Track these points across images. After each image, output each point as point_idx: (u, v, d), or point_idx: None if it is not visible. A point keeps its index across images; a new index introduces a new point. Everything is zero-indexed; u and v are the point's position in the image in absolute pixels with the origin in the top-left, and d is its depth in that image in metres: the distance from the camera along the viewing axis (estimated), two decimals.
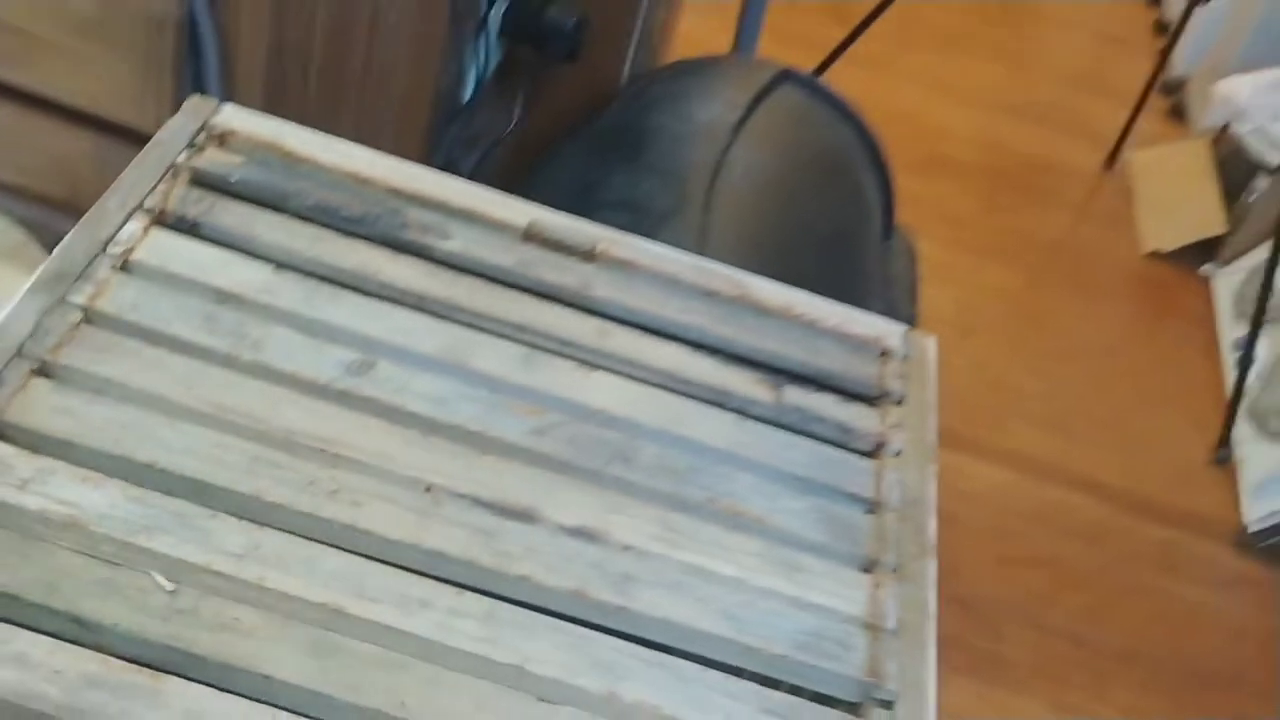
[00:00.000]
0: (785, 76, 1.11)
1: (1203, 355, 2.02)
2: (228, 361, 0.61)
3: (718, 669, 0.56)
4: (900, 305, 0.75)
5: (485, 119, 1.12)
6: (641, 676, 0.55)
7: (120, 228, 0.64)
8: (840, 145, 1.12)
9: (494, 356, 0.66)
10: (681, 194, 0.94)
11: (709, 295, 0.73)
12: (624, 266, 0.73)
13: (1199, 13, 2.22)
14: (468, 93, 1.09)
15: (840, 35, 2.01)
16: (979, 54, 2.58)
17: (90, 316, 0.61)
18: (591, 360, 0.68)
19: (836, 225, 1.05)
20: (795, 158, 1.06)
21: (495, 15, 1.09)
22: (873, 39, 2.04)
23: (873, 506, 0.65)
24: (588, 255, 0.73)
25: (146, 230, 0.65)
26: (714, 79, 1.08)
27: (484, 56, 1.09)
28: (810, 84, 1.13)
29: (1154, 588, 1.70)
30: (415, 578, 0.56)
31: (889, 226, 1.17)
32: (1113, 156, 2.35)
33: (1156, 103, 2.46)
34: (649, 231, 0.76)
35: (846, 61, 1.96)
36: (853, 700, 0.57)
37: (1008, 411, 1.87)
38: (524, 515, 0.59)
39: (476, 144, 1.12)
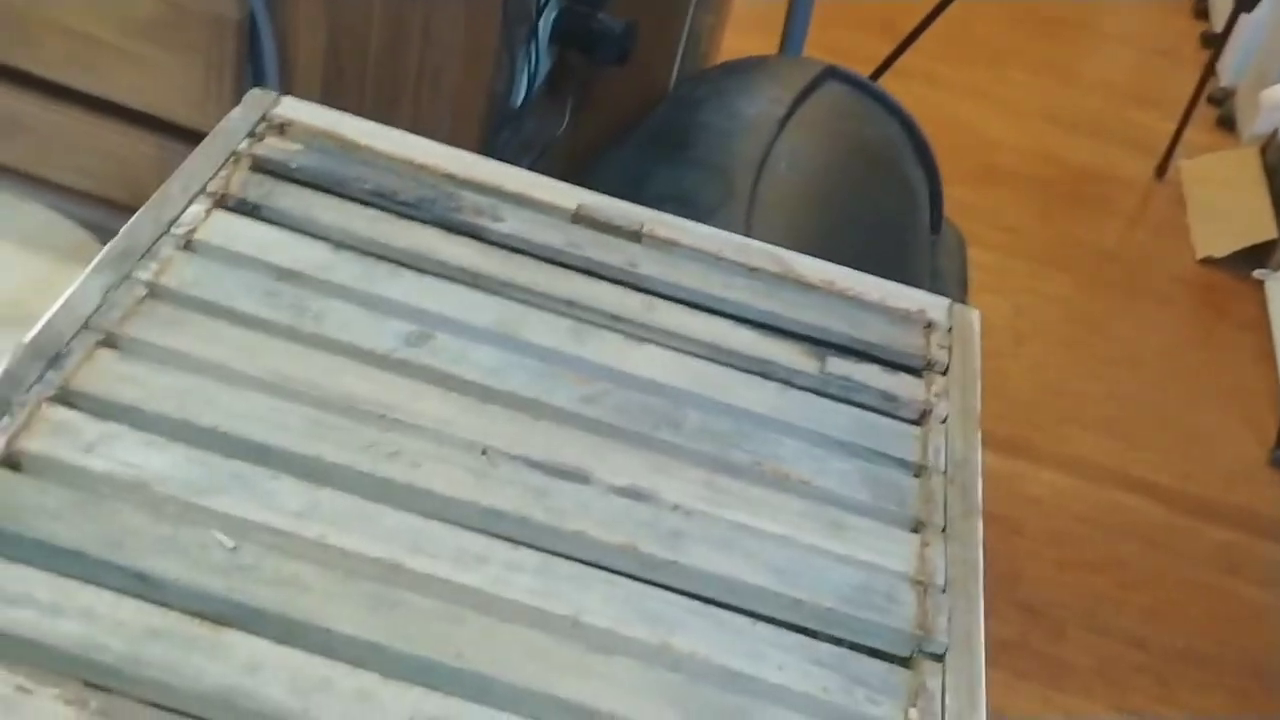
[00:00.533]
0: (830, 73, 1.13)
1: (1257, 358, 2.02)
2: (288, 333, 0.63)
3: (767, 622, 0.57)
4: (947, 297, 0.76)
5: (537, 123, 1.14)
6: (693, 628, 0.56)
7: (184, 210, 0.67)
8: (886, 139, 1.13)
9: (545, 330, 0.68)
10: (728, 187, 0.96)
11: (752, 272, 0.74)
12: (669, 246, 0.75)
13: (1244, 23, 2.22)
14: (520, 98, 1.11)
15: (888, 50, 2.03)
16: (1028, 68, 2.58)
17: (155, 292, 0.63)
18: (638, 334, 0.70)
19: (882, 216, 1.06)
20: (840, 150, 1.07)
21: (546, 21, 1.12)
22: (921, 53, 2.06)
23: (919, 470, 0.66)
24: (634, 235, 0.75)
25: (209, 212, 0.67)
26: (760, 76, 1.10)
27: (535, 62, 1.11)
28: (855, 80, 1.15)
29: (1215, 588, 1.69)
30: (472, 534, 0.57)
31: (937, 220, 1.18)
32: (1163, 165, 2.35)
33: (1205, 113, 2.46)
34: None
35: (896, 74, 1.98)
36: (902, 653, 0.58)
37: (1066, 417, 1.86)
38: (576, 476, 0.61)
39: (529, 148, 1.15)
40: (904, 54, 1.96)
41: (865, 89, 1.15)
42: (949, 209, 1.36)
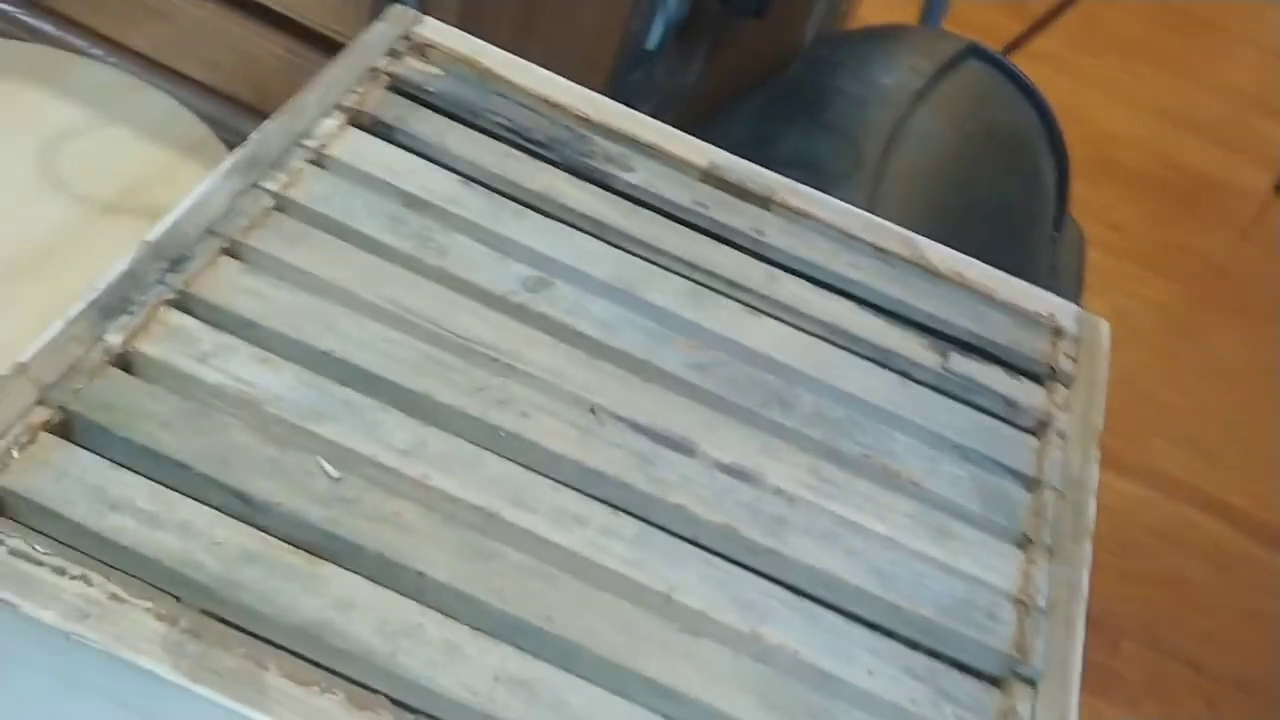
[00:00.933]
0: (973, 51, 1.10)
1: None
2: (410, 263, 0.62)
3: (861, 624, 0.56)
4: (1065, 296, 0.74)
5: (665, 70, 1.12)
6: (785, 620, 0.55)
7: (317, 123, 0.66)
8: (1021, 126, 1.10)
9: (664, 290, 0.66)
10: (856, 156, 0.93)
11: (881, 253, 0.72)
12: (799, 217, 0.73)
13: None
14: (654, 41, 1.09)
15: (1019, 30, 1.98)
16: (1158, 63, 2.52)
17: (281, 204, 0.62)
18: (758, 305, 0.68)
19: (1009, 205, 1.03)
20: (975, 133, 1.05)
21: None
22: (1052, 37, 2.01)
23: (1032, 484, 0.64)
24: (764, 202, 0.73)
25: (342, 128, 0.66)
26: (899, 46, 1.07)
27: (672, 5, 1.08)
28: (997, 61, 1.12)
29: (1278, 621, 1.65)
30: (572, 493, 0.56)
31: (1061, 216, 1.15)
32: None
33: None
34: (820, 190, 0.75)
35: (1024, 56, 1.94)
36: (995, 673, 0.56)
37: (1150, 427, 1.83)
38: (682, 446, 0.59)
39: (655, 92, 1.12)
40: (1035, 36, 1.92)
41: (1006, 71, 1.12)
42: None
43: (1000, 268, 0.75)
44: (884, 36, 1.11)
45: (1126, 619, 1.62)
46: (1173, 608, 1.65)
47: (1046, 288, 0.76)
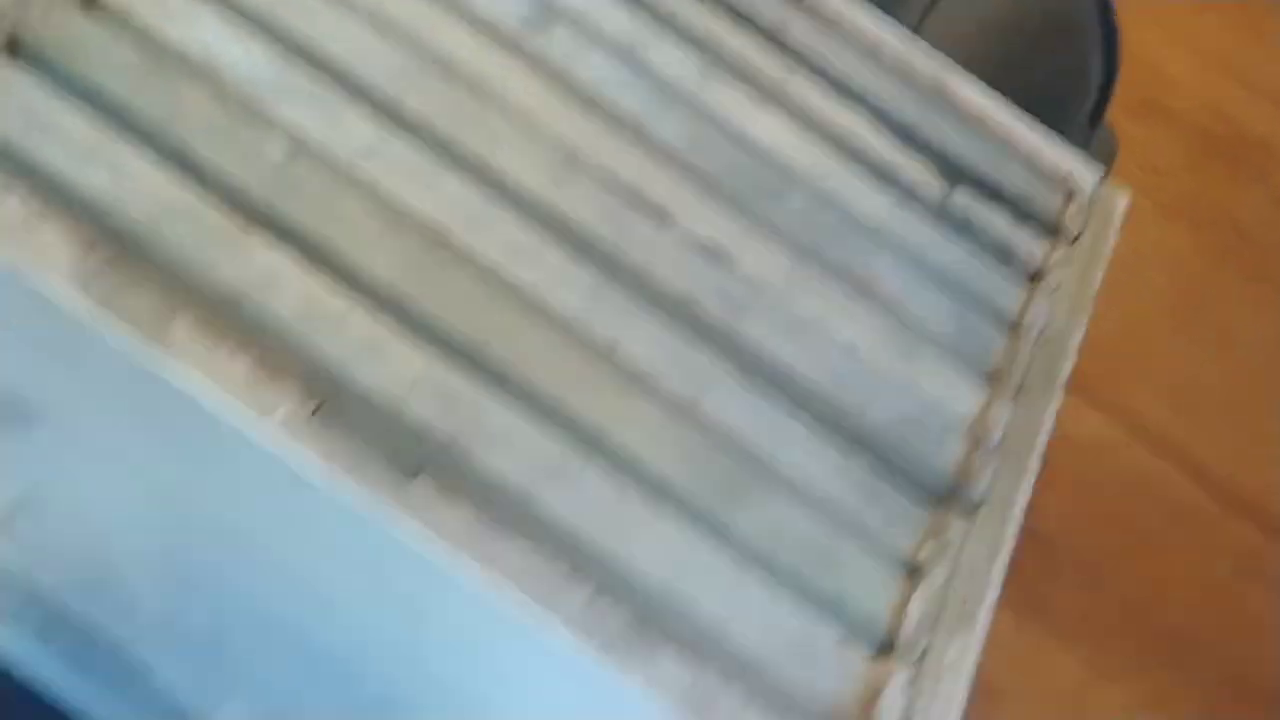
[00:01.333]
0: None
1: None
2: None
3: (805, 416, 0.53)
4: None
5: None
6: (728, 397, 0.52)
7: None
8: (1079, 16, 1.06)
9: (673, 60, 0.63)
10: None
11: (906, 76, 0.69)
12: (830, 23, 0.69)
13: None
14: None
15: None
16: (1228, 16, 2.44)
17: None
18: (768, 97, 0.64)
19: (1047, 89, 0.99)
20: (1027, 7, 1.01)
21: None
22: None
23: (1011, 327, 0.61)
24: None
25: None
26: None
27: None
28: None
29: (1225, 586, 1.63)
30: (533, 233, 0.53)
31: (1098, 114, 1.11)
32: None
33: None
34: None
35: None
36: (932, 493, 0.54)
37: (1139, 373, 1.79)
38: (658, 213, 0.56)
39: None
40: None
41: None
42: None
43: None
44: None
45: (1073, 550, 1.59)
46: (1118, 550, 1.63)
47: None
